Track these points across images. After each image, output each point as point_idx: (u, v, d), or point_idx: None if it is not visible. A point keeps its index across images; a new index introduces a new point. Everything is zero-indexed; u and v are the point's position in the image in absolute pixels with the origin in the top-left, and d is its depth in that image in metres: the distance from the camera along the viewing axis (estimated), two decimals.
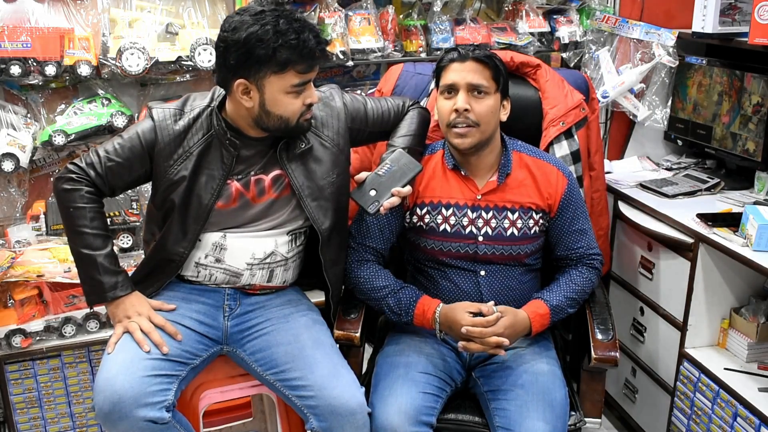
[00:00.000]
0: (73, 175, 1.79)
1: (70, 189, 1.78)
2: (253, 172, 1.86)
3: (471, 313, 1.83)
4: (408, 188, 1.84)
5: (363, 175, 1.84)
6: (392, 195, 1.81)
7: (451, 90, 1.89)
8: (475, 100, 1.87)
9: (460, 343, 1.83)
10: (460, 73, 1.87)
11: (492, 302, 1.86)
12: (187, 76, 2.52)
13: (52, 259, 2.30)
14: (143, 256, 1.97)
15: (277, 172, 1.87)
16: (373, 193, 1.82)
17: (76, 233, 1.79)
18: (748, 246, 2.03)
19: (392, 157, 1.86)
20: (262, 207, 1.87)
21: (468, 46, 1.92)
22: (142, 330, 1.76)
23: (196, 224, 1.83)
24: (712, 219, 2.19)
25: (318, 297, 2.05)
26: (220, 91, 1.85)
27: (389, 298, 1.94)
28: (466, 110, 1.85)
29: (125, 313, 1.79)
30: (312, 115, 1.83)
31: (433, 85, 2.23)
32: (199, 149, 1.81)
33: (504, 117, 1.94)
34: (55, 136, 2.38)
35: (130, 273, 1.88)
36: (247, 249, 1.87)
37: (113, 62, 2.34)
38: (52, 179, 2.54)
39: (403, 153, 1.87)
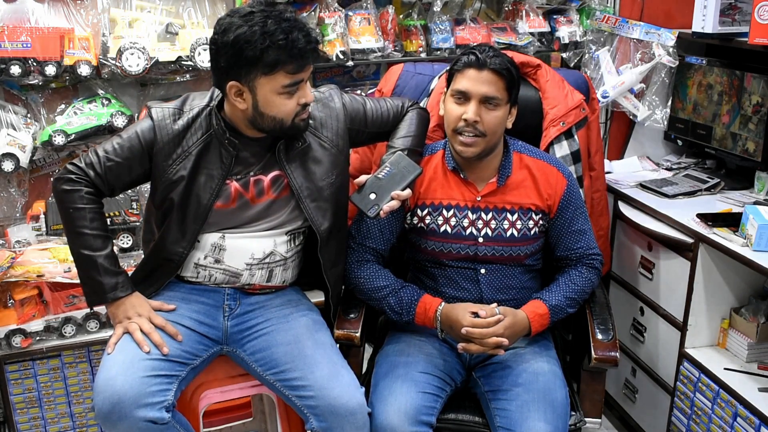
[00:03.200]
0: (73, 176, 1.79)
1: (70, 190, 1.78)
2: (252, 173, 1.85)
3: (473, 313, 1.83)
4: (408, 191, 1.83)
5: (363, 178, 1.83)
6: (392, 198, 1.81)
7: (463, 96, 1.87)
8: (486, 111, 1.84)
9: (460, 345, 1.83)
10: (475, 82, 1.84)
11: (494, 304, 1.87)
12: (187, 76, 2.52)
13: (52, 259, 2.30)
14: (143, 257, 1.97)
15: (276, 172, 1.87)
16: (372, 196, 1.81)
17: (76, 234, 1.79)
18: (748, 246, 2.03)
19: (392, 160, 1.86)
20: (261, 207, 1.87)
21: (486, 51, 1.86)
22: (142, 331, 1.76)
23: (195, 224, 1.83)
24: (712, 219, 2.18)
25: (318, 297, 2.05)
26: (219, 91, 1.85)
27: (390, 298, 1.93)
28: (475, 122, 1.84)
29: (125, 313, 1.79)
30: (309, 114, 1.82)
31: (433, 84, 2.22)
32: (198, 149, 1.81)
33: (509, 124, 1.93)
34: (55, 136, 2.38)
35: (129, 273, 1.88)
36: (246, 249, 1.87)
37: (113, 62, 2.34)
38: (51, 179, 2.54)
39: (403, 155, 1.87)
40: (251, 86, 1.71)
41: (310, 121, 1.87)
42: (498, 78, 1.84)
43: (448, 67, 1.95)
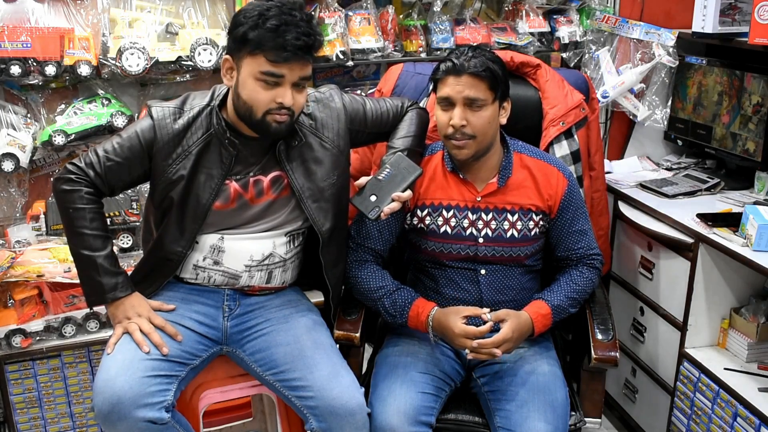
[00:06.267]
0: (73, 176, 1.78)
1: (70, 190, 1.78)
2: (251, 173, 1.85)
3: (465, 317, 1.82)
4: (408, 193, 1.83)
5: (363, 180, 1.83)
6: (392, 200, 1.80)
7: (447, 103, 1.86)
8: (472, 113, 1.84)
9: (470, 354, 1.82)
10: (455, 87, 1.83)
11: (486, 309, 1.86)
12: (187, 76, 2.51)
13: (52, 259, 2.30)
14: (142, 256, 1.97)
15: (276, 173, 1.86)
16: (373, 198, 1.80)
17: (76, 234, 1.78)
18: (748, 246, 2.03)
19: (392, 161, 1.85)
20: (261, 208, 1.86)
21: (465, 52, 1.85)
22: (141, 331, 1.76)
23: (193, 224, 1.82)
24: (712, 219, 2.19)
25: (318, 297, 2.05)
26: (220, 90, 1.85)
27: (385, 299, 1.93)
28: (462, 126, 1.84)
29: (125, 314, 1.79)
30: (288, 120, 1.75)
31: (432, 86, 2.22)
32: (198, 148, 1.80)
33: (504, 120, 1.92)
34: (55, 136, 2.38)
35: (129, 273, 1.88)
36: (245, 251, 1.87)
37: (113, 62, 2.34)
38: (51, 179, 2.54)
39: (403, 156, 1.86)
40: (239, 64, 1.72)
41: (311, 122, 1.87)
42: (479, 80, 1.82)
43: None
